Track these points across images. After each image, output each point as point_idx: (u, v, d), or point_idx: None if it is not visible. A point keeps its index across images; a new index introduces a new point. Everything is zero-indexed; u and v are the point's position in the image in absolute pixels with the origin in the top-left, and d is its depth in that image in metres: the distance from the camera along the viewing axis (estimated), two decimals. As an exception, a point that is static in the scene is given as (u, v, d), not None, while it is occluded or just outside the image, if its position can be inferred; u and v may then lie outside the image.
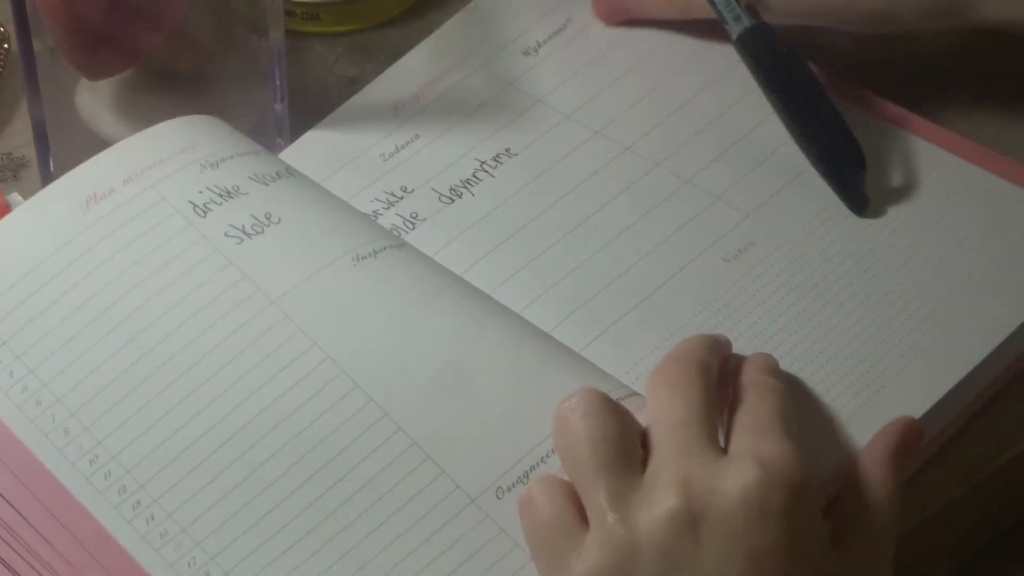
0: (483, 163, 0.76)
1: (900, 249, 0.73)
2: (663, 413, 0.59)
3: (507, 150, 0.77)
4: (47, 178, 0.78)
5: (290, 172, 0.72)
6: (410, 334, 0.65)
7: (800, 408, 0.64)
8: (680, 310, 0.70)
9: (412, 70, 0.81)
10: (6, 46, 0.84)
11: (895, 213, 0.74)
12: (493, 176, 0.76)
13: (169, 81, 0.79)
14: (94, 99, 0.78)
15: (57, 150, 0.77)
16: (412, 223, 0.74)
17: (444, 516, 0.60)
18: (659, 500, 0.56)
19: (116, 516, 0.62)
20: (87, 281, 0.67)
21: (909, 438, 0.64)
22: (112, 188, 0.70)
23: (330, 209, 0.71)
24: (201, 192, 0.70)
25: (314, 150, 0.78)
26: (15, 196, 0.78)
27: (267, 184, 0.71)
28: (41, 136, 0.77)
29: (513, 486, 0.61)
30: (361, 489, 0.61)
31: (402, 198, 0.75)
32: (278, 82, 0.78)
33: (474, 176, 0.76)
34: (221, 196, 0.69)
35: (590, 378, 0.64)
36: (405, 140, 0.78)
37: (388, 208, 0.75)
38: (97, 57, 0.76)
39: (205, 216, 0.69)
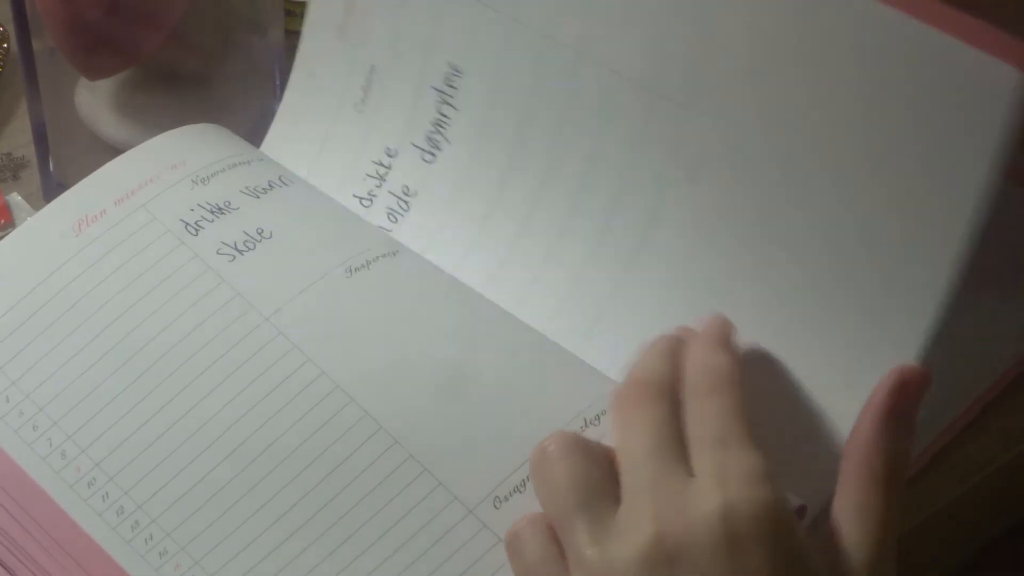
0: (441, 93, 0.74)
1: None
2: (629, 441, 0.58)
3: (455, 69, 0.73)
4: (47, 178, 0.78)
5: (283, 180, 0.72)
6: (404, 346, 0.65)
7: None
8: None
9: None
10: (6, 46, 0.84)
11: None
12: (456, 108, 0.74)
13: (169, 81, 0.79)
14: (94, 99, 0.78)
15: (57, 150, 0.77)
16: (406, 202, 0.73)
17: (442, 527, 0.60)
18: (632, 538, 0.55)
19: (115, 537, 0.62)
20: (81, 305, 0.67)
21: (908, 393, 0.58)
22: (103, 210, 0.70)
23: (322, 219, 0.71)
24: (192, 210, 0.69)
25: (291, 135, 0.76)
26: (15, 196, 0.78)
27: (258, 197, 0.71)
28: (41, 136, 0.77)
29: (510, 495, 0.61)
30: (359, 503, 0.61)
31: (390, 168, 0.74)
32: (278, 82, 0.78)
33: (441, 116, 0.73)
34: (212, 212, 0.69)
35: (586, 382, 0.64)
36: (365, 78, 0.74)
37: (380, 185, 0.74)
38: (97, 57, 0.76)
39: (197, 234, 0.69)
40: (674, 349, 0.61)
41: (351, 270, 0.67)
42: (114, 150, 0.78)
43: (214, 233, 0.69)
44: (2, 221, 0.77)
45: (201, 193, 0.70)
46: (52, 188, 0.78)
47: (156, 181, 0.70)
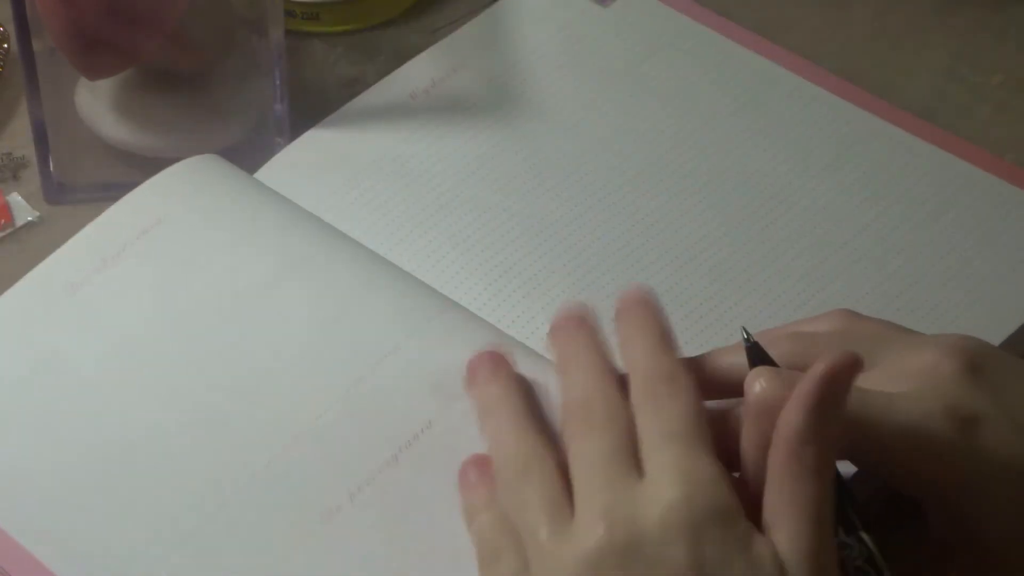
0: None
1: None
2: (584, 451, 0.57)
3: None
4: (47, 178, 0.78)
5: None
6: None
7: None
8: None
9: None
10: (6, 46, 0.84)
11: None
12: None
13: (169, 81, 0.79)
14: (94, 99, 0.78)
15: (57, 150, 0.77)
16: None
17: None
18: (585, 537, 0.55)
19: None
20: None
21: (838, 382, 0.55)
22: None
23: None
24: None
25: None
26: (15, 196, 0.78)
27: None
28: (41, 136, 0.77)
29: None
30: None
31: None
32: (278, 82, 0.78)
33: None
34: None
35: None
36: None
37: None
38: (96, 57, 0.75)
39: None
40: (606, 363, 0.60)
41: None
42: (114, 150, 0.78)
43: None
44: (2, 221, 0.77)
45: None
46: (52, 188, 0.78)
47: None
